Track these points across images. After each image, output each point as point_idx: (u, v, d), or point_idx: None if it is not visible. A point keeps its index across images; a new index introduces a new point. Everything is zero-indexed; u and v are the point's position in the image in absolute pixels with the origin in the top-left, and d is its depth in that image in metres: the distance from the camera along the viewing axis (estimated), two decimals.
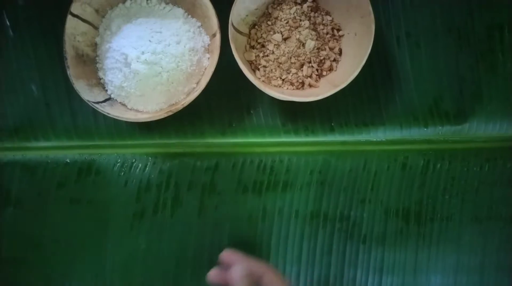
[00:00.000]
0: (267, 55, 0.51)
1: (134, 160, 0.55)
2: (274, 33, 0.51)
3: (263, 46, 0.52)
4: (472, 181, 0.57)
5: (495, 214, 0.58)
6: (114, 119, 0.49)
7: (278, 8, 0.51)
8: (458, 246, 0.57)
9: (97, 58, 0.51)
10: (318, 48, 0.51)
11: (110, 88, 0.50)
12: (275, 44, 0.51)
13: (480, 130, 0.57)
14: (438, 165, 0.57)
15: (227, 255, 0.48)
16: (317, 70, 0.51)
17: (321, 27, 0.52)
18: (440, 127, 0.57)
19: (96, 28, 0.50)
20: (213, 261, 0.55)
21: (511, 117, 0.57)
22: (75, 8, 0.47)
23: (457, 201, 0.57)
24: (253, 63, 0.52)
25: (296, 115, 0.56)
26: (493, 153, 0.57)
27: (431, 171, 0.57)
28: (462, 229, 0.57)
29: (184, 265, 0.55)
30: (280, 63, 0.51)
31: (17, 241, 0.55)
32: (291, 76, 0.51)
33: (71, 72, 0.47)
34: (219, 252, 0.55)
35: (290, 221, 0.55)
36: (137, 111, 0.50)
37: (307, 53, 0.50)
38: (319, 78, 0.52)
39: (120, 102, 0.51)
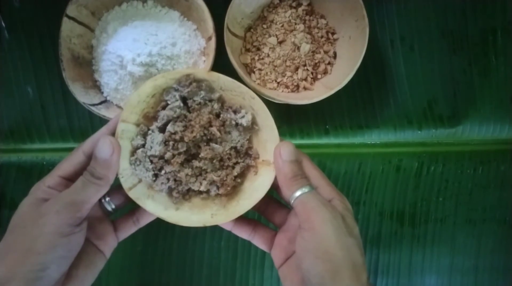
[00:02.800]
0: (263, 58, 0.51)
1: None
2: (270, 36, 0.51)
3: (258, 49, 0.52)
4: (466, 183, 0.58)
5: (489, 216, 0.58)
6: None
7: (274, 11, 0.51)
8: (452, 248, 0.58)
9: (93, 60, 0.51)
10: (313, 51, 0.51)
11: (106, 90, 0.50)
12: (270, 47, 0.51)
13: (474, 133, 0.58)
14: (432, 168, 0.57)
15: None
16: (312, 73, 0.51)
17: (316, 30, 0.52)
18: (433, 130, 0.57)
19: (92, 30, 0.50)
20: (212, 266, 0.56)
21: (505, 120, 0.57)
22: (71, 10, 0.47)
23: (451, 203, 0.58)
24: (249, 66, 0.52)
25: (291, 117, 0.56)
26: (486, 156, 0.58)
27: (425, 173, 0.57)
28: (456, 231, 0.58)
29: (181, 268, 0.56)
30: (275, 66, 0.51)
31: None
32: (286, 79, 0.51)
33: (67, 74, 0.47)
34: (218, 255, 0.56)
35: None
36: None
37: (302, 56, 0.50)
38: (314, 81, 0.52)
39: (116, 104, 0.51)
